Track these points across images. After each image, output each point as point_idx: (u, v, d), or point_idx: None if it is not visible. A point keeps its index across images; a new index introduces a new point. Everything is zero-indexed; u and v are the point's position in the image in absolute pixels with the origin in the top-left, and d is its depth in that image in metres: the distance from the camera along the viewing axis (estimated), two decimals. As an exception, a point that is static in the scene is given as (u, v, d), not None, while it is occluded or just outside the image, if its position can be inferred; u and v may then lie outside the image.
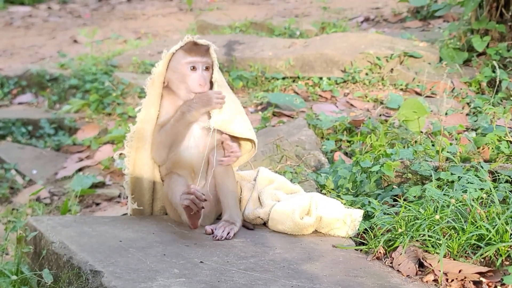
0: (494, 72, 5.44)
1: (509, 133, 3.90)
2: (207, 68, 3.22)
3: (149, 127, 3.27)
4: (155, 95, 3.25)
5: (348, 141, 4.53)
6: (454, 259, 2.72)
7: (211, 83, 3.26)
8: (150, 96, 3.26)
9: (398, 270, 2.75)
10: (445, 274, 2.63)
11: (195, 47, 3.20)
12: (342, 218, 3.16)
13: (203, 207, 2.97)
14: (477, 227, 2.75)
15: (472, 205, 2.83)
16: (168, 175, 3.28)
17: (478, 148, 3.88)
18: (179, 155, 3.25)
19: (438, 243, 2.77)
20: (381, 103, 5.36)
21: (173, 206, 3.20)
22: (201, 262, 2.73)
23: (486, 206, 2.90)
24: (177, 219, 3.27)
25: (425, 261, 2.72)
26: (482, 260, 2.72)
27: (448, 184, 3.24)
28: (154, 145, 3.26)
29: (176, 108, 3.24)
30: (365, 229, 3.12)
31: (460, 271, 2.62)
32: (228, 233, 3.06)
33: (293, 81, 5.95)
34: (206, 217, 3.24)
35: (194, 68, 3.20)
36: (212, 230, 3.10)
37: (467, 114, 4.95)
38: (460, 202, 2.91)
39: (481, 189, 3.04)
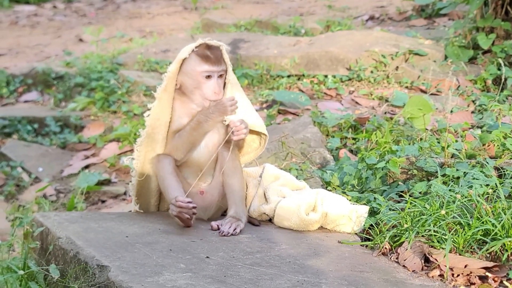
0: (499, 69, 5.44)
1: (515, 130, 3.90)
2: (221, 75, 3.20)
3: (161, 131, 3.24)
4: (167, 100, 3.22)
5: (353, 139, 4.54)
6: (460, 254, 2.72)
7: (224, 84, 3.26)
8: (161, 101, 3.22)
9: (403, 266, 2.75)
10: (451, 269, 2.63)
11: (209, 54, 3.16)
12: (348, 214, 3.17)
13: (194, 213, 3.03)
14: (482, 222, 2.76)
15: (478, 201, 2.84)
16: (157, 157, 3.25)
17: (483, 145, 3.88)
18: (188, 155, 3.26)
19: (444, 238, 2.77)
20: (386, 100, 5.36)
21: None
22: (207, 257, 2.74)
23: (492, 202, 2.90)
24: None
25: (431, 256, 2.72)
26: (488, 255, 2.72)
27: (454, 180, 3.25)
28: (170, 151, 3.23)
29: (189, 111, 3.23)
30: (371, 225, 3.13)
31: (466, 266, 2.62)
32: (235, 229, 3.07)
33: (298, 79, 5.96)
34: (205, 210, 3.26)
35: (209, 77, 3.17)
36: (218, 226, 3.10)
37: (472, 112, 4.95)
38: (465, 197, 2.91)
39: (487, 185, 3.05)
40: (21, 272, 2.91)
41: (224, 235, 3.03)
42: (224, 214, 3.34)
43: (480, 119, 4.70)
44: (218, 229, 3.09)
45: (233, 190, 3.23)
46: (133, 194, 3.36)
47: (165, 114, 3.22)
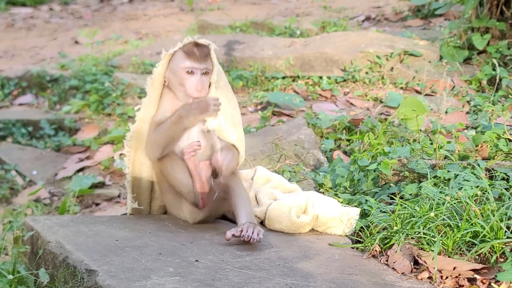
0: (494, 70, 5.43)
1: (508, 131, 3.89)
2: (206, 73, 3.18)
3: (147, 127, 3.27)
4: (154, 95, 3.24)
5: (348, 140, 4.53)
6: (449, 256, 2.71)
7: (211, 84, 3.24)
8: (150, 96, 3.25)
9: (393, 268, 2.74)
10: (440, 271, 2.63)
11: (194, 50, 3.15)
12: (339, 217, 3.16)
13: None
14: (471, 224, 2.75)
15: (467, 203, 2.83)
16: (167, 157, 3.23)
17: (476, 146, 3.88)
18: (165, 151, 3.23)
19: (433, 240, 2.76)
20: (381, 101, 5.36)
21: (176, 189, 3.22)
22: (196, 260, 2.73)
23: (481, 204, 2.90)
24: (176, 213, 3.29)
25: (420, 258, 2.71)
26: (477, 257, 2.71)
27: (445, 182, 3.24)
28: (148, 143, 3.24)
29: (175, 108, 3.21)
30: (362, 227, 3.12)
31: (454, 268, 2.61)
32: (258, 235, 2.93)
33: (293, 80, 5.95)
34: (198, 213, 3.24)
35: (191, 73, 3.15)
36: (233, 234, 2.95)
37: (467, 113, 4.95)
38: (455, 199, 2.90)
39: (477, 186, 3.04)
40: (11, 276, 2.90)
41: (249, 240, 2.90)
42: (218, 218, 3.35)
43: (475, 119, 4.70)
44: (234, 236, 2.94)
45: (240, 196, 3.16)
46: (129, 191, 3.35)
47: (151, 109, 3.24)
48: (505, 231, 2.70)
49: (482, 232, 2.71)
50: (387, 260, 2.80)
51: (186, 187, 3.18)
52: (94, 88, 6.11)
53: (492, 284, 2.53)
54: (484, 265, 2.62)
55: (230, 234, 2.94)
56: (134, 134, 3.28)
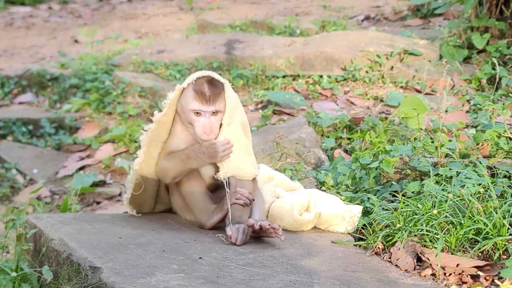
0: (494, 69, 5.45)
1: (508, 129, 3.91)
2: (216, 113, 3.06)
3: (157, 149, 3.20)
4: (166, 122, 3.14)
5: (348, 139, 4.54)
6: (452, 254, 2.72)
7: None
8: (160, 124, 3.14)
9: (396, 265, 2.76)
10: (443, 268, 2.64)
11: (205, 90, 3.00)
12: (341, 214, 3.17)
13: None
14: (474, 221, 2.76)
15: (469, 200, 2.84)
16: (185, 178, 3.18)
17: (477, 144, 3.89)
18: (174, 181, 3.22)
19: (435, 237, 2.77)
20: (381, 100, 5.37)
21: (190, 208, 3.19)
22: (200, 258, 2.74)
23: (483, 201, 2.91)
24: (186, 216, 3.28)
25: (423, 255, 2.72)
26: (480, 254, 2.72)
27: (447, 179, 3.25)
28: (159, 170, 3.19)
29: (186, 138, 3.15)
30: (364, 225, 3.13)
31: (457, 265, 2.62)
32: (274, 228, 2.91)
33: (293, 79, 5.96)
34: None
35: (199, 114, 3.05)
36: (254, 224, 2.92)
37: (467, 111, 4.96)
38: (458, 197, 2.91)
39: (479, 184, 3.05)
40: (14, 274, 2.90)
41: (274, 228, 2.88)
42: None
43: (475, 118, 4.71)
44: (255, 227, 2.93)
45: (256, 202, 3.15)
46: (129, 192, 3.31)
47: (162, 136, 3.17)
48: (508, 228, 2.71)
49: (485, 229, 2.72)
50: (390, 258, 2.81)
51: (204, 212, 3.15)
52: (95, 87, 6.11)
53: (495, 280, 2.54)
54: (487, 262, 2.63)
55: (252, 221, 2.94)
56: (143, 157, 3.21)
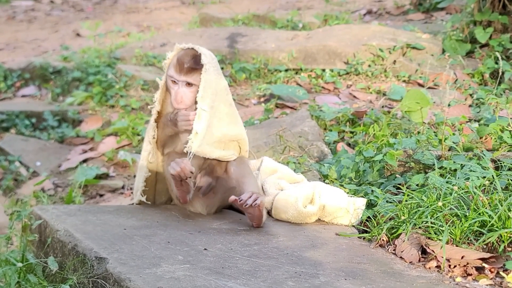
0: (497, 63, 5.45)
1: (512, 123, 3.91)
2: (188, 84, 3.14)
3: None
4: (162, 90, 3.27)
5: (351, 132, 4.55)
6: (457, 246, 2.73)
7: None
8: (160, 90, 3.27)
9: (401, 257, 2.76)
10: (448, 260, 2.64)
11: (183, 59, 3.13)
12: (345, 207, 3.18)
13: (190, 177, 3.05)
14: (479, 214, 2.77)
15: (474, 192, 2.84)
16: (168, 154, 3.29)
17: (480, 138, 3.89)
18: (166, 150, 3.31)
19: (440, 230, 2.78)
20: (384, 94, 5.37)
21: (168, 180, 3.25)
22: (205, 249, 2.75)
23: (488, 193, 2.91)
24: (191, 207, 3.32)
25: (428, 247, 2.73)
26: (485, 246, 2.73)
27: (451, 172, 3.26)
28: (158, 141, 3.31)
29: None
30: (368, 217, 3.14)
31: (462, 257, 2.63)
32: (255, 200, 2.97)
33: (296, 73, 5.96)
34: (207, 206, 3.26)
35: (175, 82, 3.16)
36: (235, 198, 3.00)
37: (470, 106, 4.97)
38: (462, 189, 2.92)
39: (484, 177, 3.05)
40: (20, 264, 2.91)
41: (246, 204, 2.95)
42: (225, 208, 3.36)
43: (478, 112, 4.71)
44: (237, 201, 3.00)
45: (248, 181, 3.20)
46: (142, 182, 3.35)
47: (157, 104, 3.28)
48: (513, 221, 2.72)
49: (490, 221, 2.72)
50: (394, 250, 2.82)
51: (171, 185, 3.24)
52: (97, 80, 6.11)
53: (501, 272, 2.55)
54: (492, 254, 2.63)
55: (233, 197, 2.99)
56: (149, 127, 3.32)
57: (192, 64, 3.12)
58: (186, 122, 3.14)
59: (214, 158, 3.23)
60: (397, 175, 3.50)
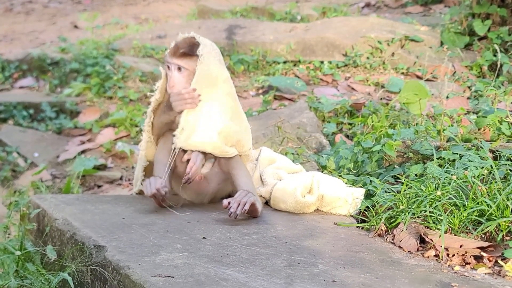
0: (495, 56, 5.45)
1: (510, 115, 3.91)
2: (179, 69, 3.14)
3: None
4: (162, 80, 3.26)
5: (349, 124, 4.55)
6: (455, 235, 2.73)
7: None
8: (161, 80, 3.28)
9: (399, 246, 2.76)
10: (446, 249, 2.65)
11: (177, 45, 3.14)
12: (344, 197, 3.18)
13: (163, 200, 3.03)
14: (478, 203, 2.77)
15: (473, 182, 2.85)
16: (162, 138, 3.30)
17: (479, 129, 3.89)
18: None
19: (439, 219, 2.78)
20: (382, 86, 5.37)
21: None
22: (203, 238, 2.75)
23: (487, 183, 2.91)
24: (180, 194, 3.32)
25: (426, 237, 2.73)
26: (483, 235, 2.73)
27: (449, 162, 3.26)
28: (154, 128, 3.32)
29: None
30: (367, 207, 3.14)
31: (461, 246, 2.63)
32: (244, 206, 2.93)
33: (294, 65, 5.96)
34: (205, 195, 3.25)
35: (169, 68, 3.17)
36: (228, 203, 2.96)
37: (468, 98, 4.97)
38: (461, 179, 2.92)
39: (482, 167, 3.06)
40: (18, 252, 2.91)
41: (234, 216, 2.93)
42: (223, 198, 3.35)
43: (476, 105, 4.71)
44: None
45: (240, 180, 3.17)
46: (141, 171, 3.36)
47: (157, 92, 3.28)
48: (512, 210, 2.72)
49: (488, 210, 2.73)
50: (393, 239, 2.82)
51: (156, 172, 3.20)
52: (95, 71, 6.10)
53: (499, 261, 2.55)
54: (490, 243, 2.64)
55: (226, 202, 2.95)
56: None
57: (187, 50, 3.12)
58: (180, 101, 3.12)
59: (208, 152, 3.17)
60: (395, 166, 3.50)
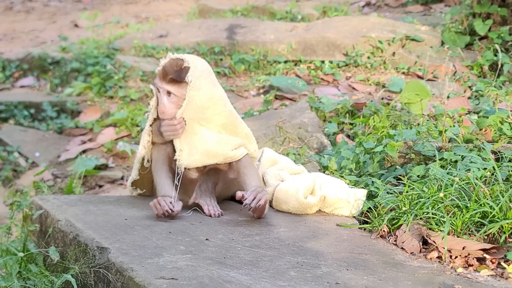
0: (496, 55, 5.45)
1: (512, 115, 3.91)
2: (169, 93, 3.06)
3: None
4: (155, 98, 3.19)
5: (351, 124, 4.55)
6: (458, 237, 2.73)
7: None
8: (154, 97, 3.22)
9: (402, 248, 2.77)
10: (449, 251, 2.65)
11: (165, 68, 3.05)
12: (346, 198, 3.18)
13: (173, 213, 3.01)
14: (480, 204, 2.77)
15: (476, 183, 2.85)
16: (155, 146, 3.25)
17: (480, 130, 3.90)
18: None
19: (442, 220, 2.78)
20: (383, 86, 5.37)
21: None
22: (206, 239, 2.75)
23: (489, 185, 2.92)
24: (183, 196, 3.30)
25: (429, 238, 2.74)
26: (486, 237, 2.73)
27: (451, 163, 3.26)
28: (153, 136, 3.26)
29: None
30: (369, 208, 3.14)
31: (464, 248, 2.64)
32: (259, 201, 2.94)
33: (295, 64, 5.96)
34: (203, 192, 3.24)
35: (159, 91, 3.09)
36: (243, 195, 2.98)
37: (469, 98, 4.97)
38: (463, 180, 2.92)
39: (485, 168, 3.06)
40: (21, 254, 2.91)
41: (248, 208, 2.93)
42: (226, 199, 3.35)
43: (477, 104, 4.72)
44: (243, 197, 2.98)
45: (251, 179, 3.14)
46: (135, 173, 3.33)
47: (153, 110, 3.22)
48: (514, 212, 2.72)
49: (491, 212, 2.73)
50: (395, 240, 2.83)
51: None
52: (96, 71, 6.10)
53: (502, 263, 2.56)
54: (493, 245, 2.64)
55: (240, 193, 2.97)
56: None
57: (176, 76, 3.03)
58: (171, 132, 3.09)
59: (213, 163, 3.16)
60: (397, 167, 3.50)
